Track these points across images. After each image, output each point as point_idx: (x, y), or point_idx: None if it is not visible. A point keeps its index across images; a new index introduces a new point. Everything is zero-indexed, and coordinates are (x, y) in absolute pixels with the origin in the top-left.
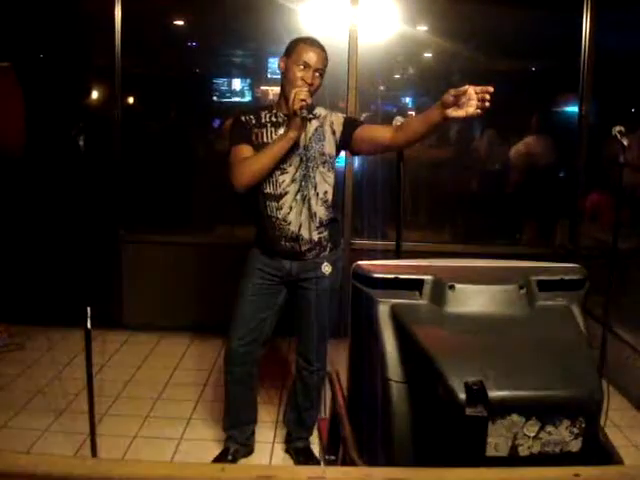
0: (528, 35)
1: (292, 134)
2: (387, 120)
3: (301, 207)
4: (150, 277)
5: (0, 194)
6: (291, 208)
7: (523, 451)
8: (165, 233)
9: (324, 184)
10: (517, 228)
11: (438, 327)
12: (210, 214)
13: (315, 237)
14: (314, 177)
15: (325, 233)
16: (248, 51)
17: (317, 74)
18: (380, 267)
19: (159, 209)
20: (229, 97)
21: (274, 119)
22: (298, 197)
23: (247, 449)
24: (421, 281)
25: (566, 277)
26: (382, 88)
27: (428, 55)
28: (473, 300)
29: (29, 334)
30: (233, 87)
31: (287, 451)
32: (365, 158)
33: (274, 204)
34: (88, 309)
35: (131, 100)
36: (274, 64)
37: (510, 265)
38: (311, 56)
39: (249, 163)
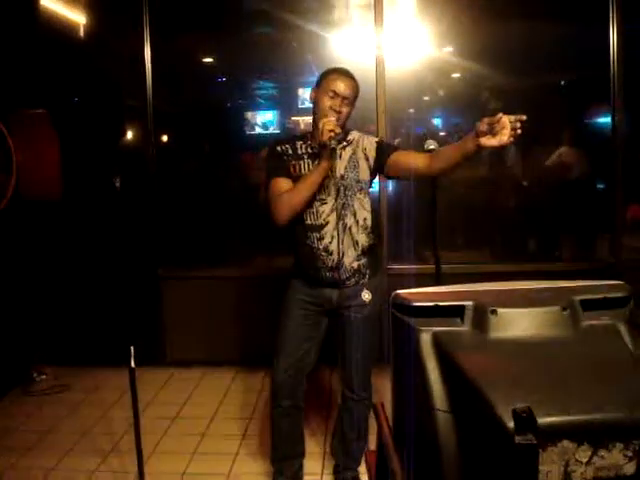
0: (556, 49)
1: (324, 165)
2: (418, 142)
3: (343, 236)
4: (191, 313)
5: (41, 237)
6: (332, 237)
7: (576, 478)
8: (204, 268)
9: (363, 211)
10: (557, 244)
11: (482, 353)
12: (248, 246)
13: (355, 265)
14: (353, 205)
15: (364, 260)
16: (277, 83)
17: (346, 102)
18: (419, 295)
19: (197, 244)
20: (262, 129)
21: (310, 150)
22: (339, 226)
23: None
24: (462, 307)
25: (610, 295)
26: (411, 111)
27: (456, 75)
28: (516, 324)
29: (75, 375)
30: (264, 119)
31: None
32: (399, 181)
33: (315, 235)
34: (132, 348)
35: (164, 138)
36: (304, 94)
37: (551, 286)
38: (339, 85)
39: (288, 197)
